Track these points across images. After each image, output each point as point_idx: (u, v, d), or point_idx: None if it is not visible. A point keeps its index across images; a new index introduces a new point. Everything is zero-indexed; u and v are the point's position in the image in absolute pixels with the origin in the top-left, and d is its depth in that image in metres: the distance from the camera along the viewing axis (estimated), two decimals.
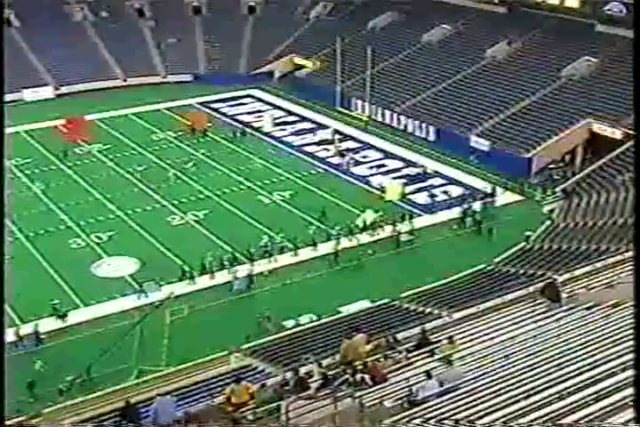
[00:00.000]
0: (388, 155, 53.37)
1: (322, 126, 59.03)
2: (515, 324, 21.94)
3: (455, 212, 43.62)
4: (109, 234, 41.73)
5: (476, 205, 44.36)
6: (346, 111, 61.35)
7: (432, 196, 46.28)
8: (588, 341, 18.15)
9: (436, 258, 39.03)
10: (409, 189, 47.21)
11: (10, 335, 31.23)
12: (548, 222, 42.44)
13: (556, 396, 14.79)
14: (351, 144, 55.31)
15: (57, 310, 33.84)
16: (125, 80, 70.79)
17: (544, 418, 14.06)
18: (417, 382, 17.53)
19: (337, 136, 55.88)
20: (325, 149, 53.92)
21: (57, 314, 33.78)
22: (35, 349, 31.70)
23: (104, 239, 41.21)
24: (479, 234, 41.86)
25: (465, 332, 22.64)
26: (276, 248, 39.19)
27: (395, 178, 48.74)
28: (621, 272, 25.47)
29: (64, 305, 34.27)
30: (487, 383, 16.71)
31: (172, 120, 60.93)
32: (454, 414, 15.21)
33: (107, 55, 72.71)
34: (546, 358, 17.47)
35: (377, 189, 47.37)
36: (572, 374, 15.89)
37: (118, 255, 39.33)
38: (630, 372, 14.59)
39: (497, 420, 14.44)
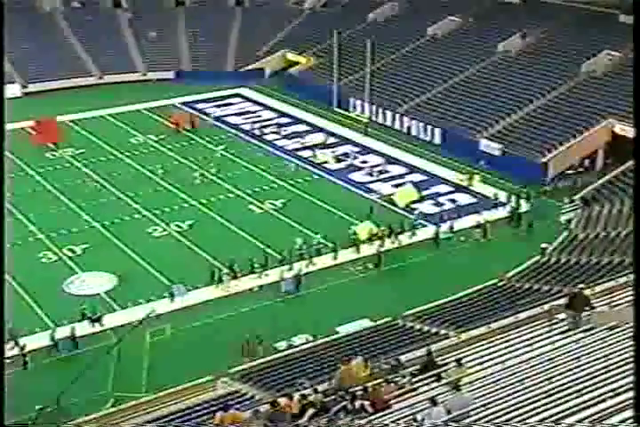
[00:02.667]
0: (389, 160, 53.57)
1: (317, 129, 59.23)
2: (529, 345, 21.94)
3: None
4: (83, 247, 41.71)
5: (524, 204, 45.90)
6: (344, 112, 61.53)
7: (438, 204, 46.54)
8: (610, 365, 18.16)
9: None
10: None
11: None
12: (566, 233, 42.57)
13: (575, 425, 14.81)
14: (349, 148, 55.46)
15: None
16: (101, 77, 71.04)
17: None
18: (422, 410, 17.56)
19: (329, 141, 56.06)
20: (322, 154, 54.06)
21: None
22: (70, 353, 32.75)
23: (78, 253, 41.20)
24: (518, 234, 43.37)
25: (475, 354, 22.65)
26: (312, 250, 40.27)
27: (396, 185, 48.92)
28: None
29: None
30: (499, 411, 16.72)
31: (152, 121, 61.07)
32: None
33: (80, 50, 72.98)
34: (563, 384, 17.48)
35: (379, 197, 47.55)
36: (593, 401, 15.90)
37: (93, 270, 39.32)
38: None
39: None
